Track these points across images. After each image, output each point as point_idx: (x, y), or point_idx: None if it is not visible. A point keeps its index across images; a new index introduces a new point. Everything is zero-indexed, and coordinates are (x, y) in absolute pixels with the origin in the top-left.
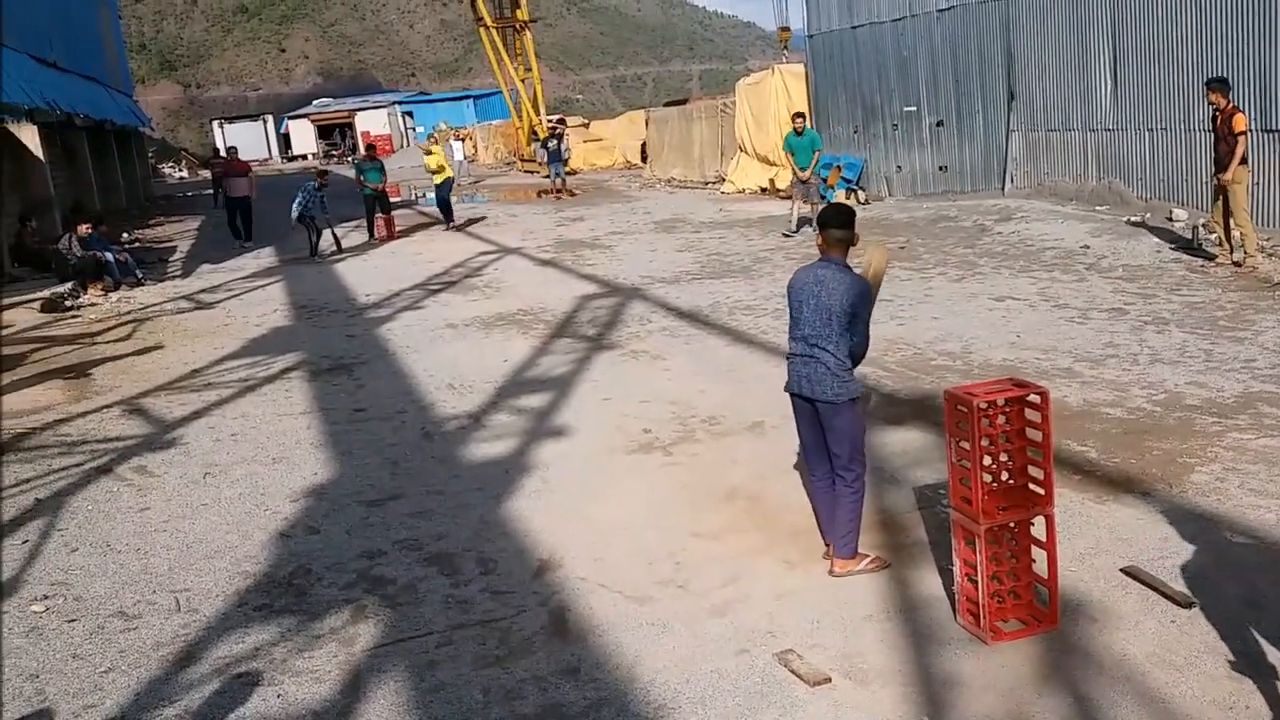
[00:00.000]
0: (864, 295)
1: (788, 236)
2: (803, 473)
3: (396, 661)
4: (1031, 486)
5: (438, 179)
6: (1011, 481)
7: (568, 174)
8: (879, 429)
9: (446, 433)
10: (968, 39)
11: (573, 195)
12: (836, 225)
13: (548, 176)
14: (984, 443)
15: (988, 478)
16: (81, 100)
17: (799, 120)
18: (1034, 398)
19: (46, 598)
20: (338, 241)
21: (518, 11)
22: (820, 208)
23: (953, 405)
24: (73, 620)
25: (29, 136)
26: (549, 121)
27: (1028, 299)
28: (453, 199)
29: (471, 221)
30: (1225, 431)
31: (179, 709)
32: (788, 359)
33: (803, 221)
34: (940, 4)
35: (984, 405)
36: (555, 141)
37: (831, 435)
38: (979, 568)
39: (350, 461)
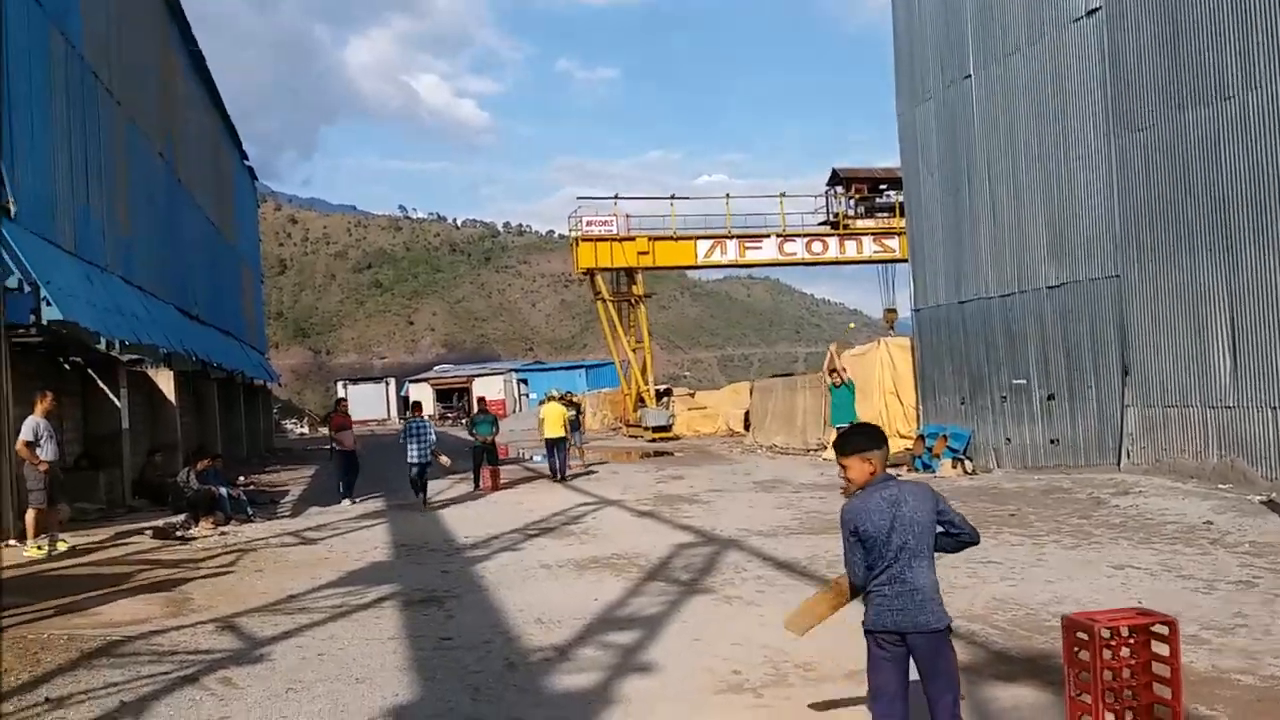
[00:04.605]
0: (938, 495)
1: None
2: None
3: None
4: None
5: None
6: None
7: (670, 438)
8: (988, 684)
9: (531, 664)
10: (1079, 314)
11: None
12: (873, 443)
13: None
14: (1106, 676)
15: (1110, 717)
16: (217, 351)
17: None
18: (1160, 628)
19: None
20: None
21: (634, 287)
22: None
23: (1071, 632)
24: None
25: (165, 381)
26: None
27: (1148, 568)
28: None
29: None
30: None
31: None
32: (868, 596)
33: None
34: (1050, 280)
35: (1106, 633)
36: (574, 411)
37: (939, 673)
38: None
39: (432, 686)
